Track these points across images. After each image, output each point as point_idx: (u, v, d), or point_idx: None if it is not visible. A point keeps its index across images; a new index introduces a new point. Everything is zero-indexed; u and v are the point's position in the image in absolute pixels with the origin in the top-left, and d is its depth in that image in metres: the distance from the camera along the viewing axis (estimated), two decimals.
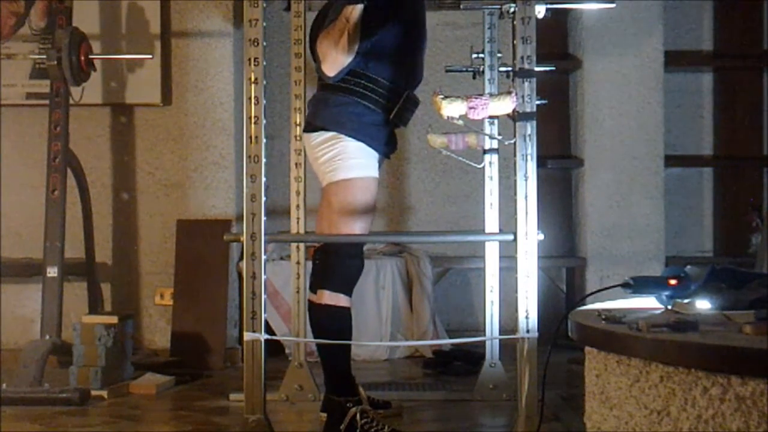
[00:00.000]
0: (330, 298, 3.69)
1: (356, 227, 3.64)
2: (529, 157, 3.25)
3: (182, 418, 4.11)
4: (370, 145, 3.66)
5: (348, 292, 3.72)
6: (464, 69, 4.66)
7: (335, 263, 3.70)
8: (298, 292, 4.36)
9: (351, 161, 3.63)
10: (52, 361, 4.74)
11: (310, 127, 3.73)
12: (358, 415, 3.65)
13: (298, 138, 4.37)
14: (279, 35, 5.54)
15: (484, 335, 4.40)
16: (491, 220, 4.34)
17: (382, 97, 3.65)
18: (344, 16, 3.54)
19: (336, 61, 3.58)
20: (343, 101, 3.64)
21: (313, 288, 3.79)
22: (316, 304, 3.72)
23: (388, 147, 3.76)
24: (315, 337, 3.73)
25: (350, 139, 3.64)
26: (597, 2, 4.33)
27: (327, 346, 3.68)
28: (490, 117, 3.71)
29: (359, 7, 3.52)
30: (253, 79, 3.25)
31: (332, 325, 3.67)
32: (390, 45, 3.66)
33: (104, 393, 4.42)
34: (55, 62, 4.75)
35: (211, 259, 5.37)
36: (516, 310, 3.25)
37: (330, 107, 3.66)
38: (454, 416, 4.12)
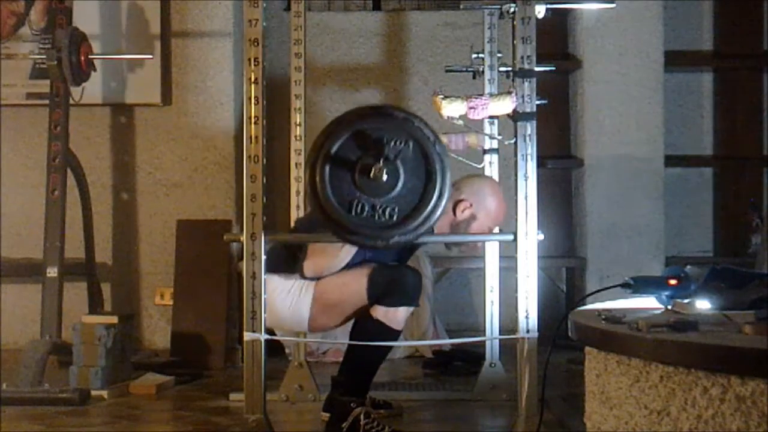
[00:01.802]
0: (383, 314, 3.62)
1: (356, 277, 3.63)
2: (529, 157, 3.25)
3: (182, 418, 4.11)
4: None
5: (409, 303, 3.66)
6: (464, 69, 4.65)
7: (386, 288, 3.63)
8: None
9: (299, 288, 3.64)
10: (52, 361, 4.74)
11: None
12: (361, 416, 3.65)
13: (298, 138, 4.38)
14: (279, 35, 5.54)
15: (484, 335, 4.40)
16: None
17: None
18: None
19: (321, 270, 3.60)
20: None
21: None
22: (368, 312, 3.66)
23: None
24: (351, 337, 3.69)
25: (292, 277, 3.64)
26: (597, 2, 4.33)
27: (360, 354, 3.66)
28: (490, 117, 3.71)
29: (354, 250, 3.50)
30: (253, 79, 3.25)
31: (373, 339, 3.60)
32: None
33: (104, 393, 4.42)
34: (55, 62, 4.75)
35: (211, 259, 5.37)
36: (516, 310, 3.25)
37: (282, 259, 3.61)
38: (454, 416, 4.12)
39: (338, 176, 3.09)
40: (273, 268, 3.37)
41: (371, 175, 3.06)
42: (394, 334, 3.65)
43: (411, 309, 3.69)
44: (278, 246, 3.61)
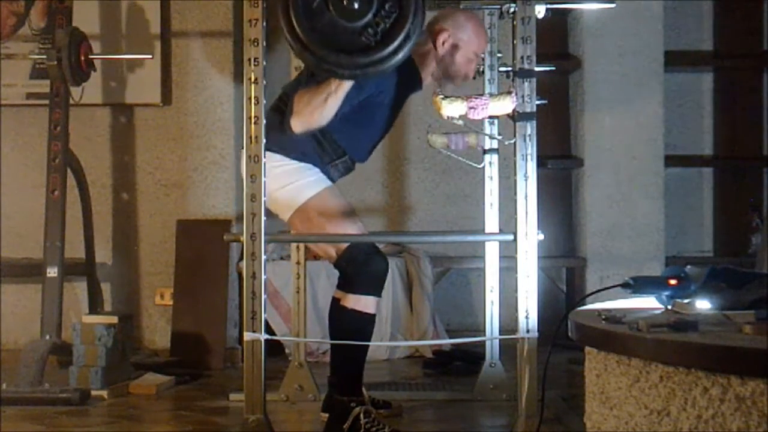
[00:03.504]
0: (357, 302, 3.65)
1: (350, 231, 3.64)
2: (529, 157, 3.25)
3: (182, 418, 4.11)
4: (312, 164, 3.66)
5: (377, 293, 3.69)
6: None
7: (357, 268, 3.66)
8: (298, 292, 4.36)
9: (299, 183, 3.61)
10: (52, 361, 4.74)
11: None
12: (361, 415, 3.65)
13: None
14: (279, 35, 5.54)
15: (484, 335, 4.40)
16: (491, 220, 4.34)
17: (325, 147, 3.66)
18: (334, 83, 3.45)
19: (307, 122, 3.51)
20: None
21: (339, 286, 3.76)
22: (340, 305, 3.69)
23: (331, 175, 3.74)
24: (331, 335, 3.71)
25: (292, 161, 3.61)
26: (597, 2, 4.33)
27: (343, 347, 3.67)
28: (490, 117, 3.71)
29: (350, 82, 3.45)
30: (253, 79, 3.26)
31: (352, 329, 3.64)
32: (357, 120, 3.63)
33: (104, 393, 4.42)
34: (55, 62, 4.75)
35: (211, 259, 5.37)
36: (516, 310, 3.25)
37: (275, 128, 3.54)
38: (454, 416, 4.12)
39: (314, 18, 3.14)
40: (269, 147, 3.37)
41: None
42: (370, 319, 3.68)
43: (378, 299, 3.72)
44: (275, 122, 3.55)
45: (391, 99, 3.73)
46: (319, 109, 3.47)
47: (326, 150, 3.68)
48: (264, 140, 3.27)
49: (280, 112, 3.62)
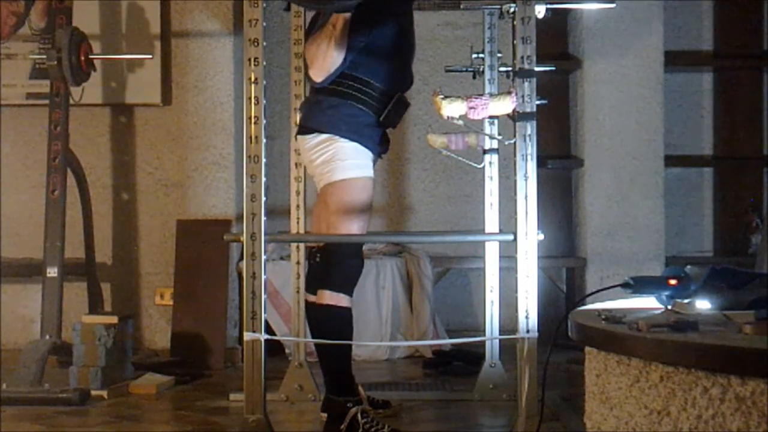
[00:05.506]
0: (331, 298, 3.68)
1: (354, 227, 3.65)
2: (529, 157, 3.25)
3: (182, 418, 4.11)
4: (364, 145, 3.68)
5: (349, 292, 3.72)
6: (464, 69, 4.66)
7: (336, 263, 3.70)
8: (298, 292, 4.36)
9: (347, 162, 3.65)
10: (52, 361, 4.74)
11: (305, 130, 3.74)
12: (359, 415, 3.65)
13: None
14: (279, 35, 5.54)
15: (484, 335, 4.40)
16: (491, 220, 4.34)
17: (373, 99, 3.68)
18: (331, 22, 3.55)
19: (322, 67, 3.60)
20: (336, 103, 3.66)
21: (311, 289, 3.79)
22: (317, 304, 3.72)
23: (381, 146, 3.79)
24: (314, 338, 3.73)
25: (345, 140, 3.65)
26: (597, 2, 4.33)
27: (328, 346, 3.68)
28: (490, 117, 3.71)
29: (345, 15, 3.53)
30: (253, 79, 3.26)
31: (333, 325, 3.67)
32: (380, 49, 3.68)
33: (104, 393, 4.42)
34: (55, 62, 4.75)
35: (211, 259, 5.37)
36: (516, 310, 3.25)
37: (324, 110, 3.68)
38: (454, 416, 4.12)
39: None
40: (319, 128, 3.59)
41: None
42: (347, 313, 3.70)
43: (350, 298, 3.74)
44: (316, 101, 3.68)
45: (393, 20, 3.75)
46: (329, 51, 3.57)
47: (367, 100, 3.68)
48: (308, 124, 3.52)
49: (315, 91, 3.72)
